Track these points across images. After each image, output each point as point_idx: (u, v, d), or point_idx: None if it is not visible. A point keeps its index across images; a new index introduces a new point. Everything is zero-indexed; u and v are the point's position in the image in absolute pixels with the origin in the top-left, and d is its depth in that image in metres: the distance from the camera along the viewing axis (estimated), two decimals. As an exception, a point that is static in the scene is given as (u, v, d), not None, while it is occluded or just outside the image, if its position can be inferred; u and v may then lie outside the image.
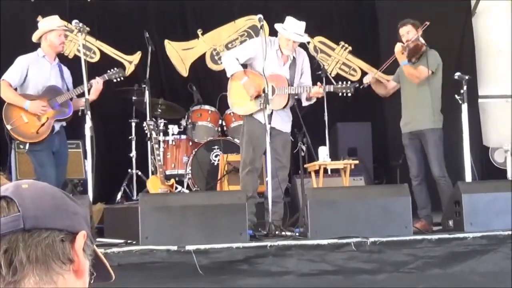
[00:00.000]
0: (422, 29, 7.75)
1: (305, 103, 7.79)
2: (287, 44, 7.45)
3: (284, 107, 7.55)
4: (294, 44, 7.50)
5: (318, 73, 8.48)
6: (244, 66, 7.64)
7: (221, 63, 7.98)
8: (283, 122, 7.60)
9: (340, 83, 7.83)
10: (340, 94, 7.79)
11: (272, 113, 7.37)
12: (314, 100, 7.74)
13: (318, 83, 7.57)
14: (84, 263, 1.35)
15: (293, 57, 7.62)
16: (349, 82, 7.86)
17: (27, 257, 1.27)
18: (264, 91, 7.39)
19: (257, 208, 7.52)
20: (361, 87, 8.16)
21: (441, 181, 7.58)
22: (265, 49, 7.28)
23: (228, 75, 7.65)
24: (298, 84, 7.60)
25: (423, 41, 7.74)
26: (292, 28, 7.46)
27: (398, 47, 7.67)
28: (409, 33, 7.77)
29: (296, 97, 7.79)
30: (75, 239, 1.33)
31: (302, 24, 7.51)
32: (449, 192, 7.36)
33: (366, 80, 8.14)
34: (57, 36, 7.45)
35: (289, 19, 7.52)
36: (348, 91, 7.71)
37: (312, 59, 7.94)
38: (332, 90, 7.67)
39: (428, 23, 7.78)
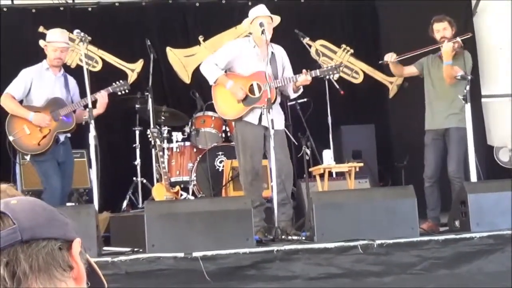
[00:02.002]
0: (461, 38, 7.72)
1: (293, 95, 7.73)
2: (259, 30, 7.33)
3: (273, 102, 7.38)
4: (269, 27, 7.38)
5: (321, 77, 8.48)
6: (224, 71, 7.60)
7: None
8: (275, 119, 7.33)
9: (325, 66, 7.79)
10: (327, 77, 7.74)
11: (261, 113, 7.31)
12: (301, 90, 7.64)
13: (304, 70, 7.42)
14: (83, 269, 1.36)
15: (272, 52, 7.52)
16: (333, 64, 7.79)
17: (30, 267, 1.28)
18: (251, 91, 7.37)
19: (265, 212, 7.50)
20: (379, 62, 8.15)
21: (456, 181, 7.51)
22: (267, 54, 7.23)
23: (211, 82, 7.56)
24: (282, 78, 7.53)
25: (461, 43, 7.69)
26: (256, 11, 7.50)
27: (449, 46, 7.53)
28: (446, 29, 7.70)
29: (287, 100, 7.75)
30: (71, 246, 1.34)
31: (263, 6, 7.56)
32: (457, 192, 7.34)
33: (387, 58, 8.01)
34: (52, 51, 7.45)
35: (251, 10, 7.57)
36: (335, 72, 7.65)
37: (314, 62, 7.92)
38: (318, 74, 7.54)
39: (470, 34, 7.76)
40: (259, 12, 7.49)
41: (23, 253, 1.28)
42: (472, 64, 7.86)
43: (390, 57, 7.91)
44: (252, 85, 7.41)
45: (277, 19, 7.55)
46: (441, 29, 7.72)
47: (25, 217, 1.31)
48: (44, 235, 1.31)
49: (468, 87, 7.37)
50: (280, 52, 7.66)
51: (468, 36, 7.78)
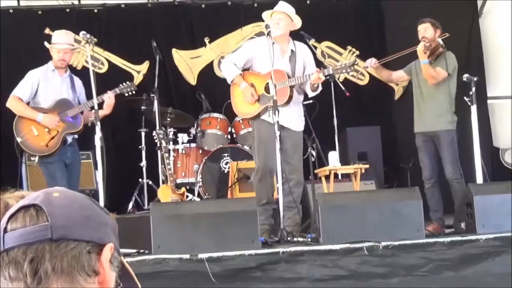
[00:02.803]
0: (441, 38, 7.73)
1: (311, 94, 7.62)
2: (273, 24, 7.32)
3: (287, 102, 7.34)
4: (282, 23, 7.37)
5: (326, 78, 8.46)
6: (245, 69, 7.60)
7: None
8: (293, 119, 7.38)
9: (338, 64, 7.77)
10: (341, 74, 7.71)
11: (278, 113, 7.29)
12: (320, 89, 7.57)
13: (316, 69, 7.39)
14: (110, 275, 1.35)
15: (292, 50, 7.49)
16: (347, 62, 7.77)
17: (53, 268, 1.28)
18: (267, 90, 7.36)
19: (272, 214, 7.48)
20: (362, 67, 8.14)
21: (455, 183, 7.56)
22: (272, 57, 7.20)
23: (229, 81, 7.59)
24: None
25: (441, 43, 7.73)
26: (276, 7, 7.52)
27: (421, 45, 7.61)
28: (426, 30, 7.75)
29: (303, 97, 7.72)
30: (102, 251, 1.34)
31: (283, 2, 7.56)
32: (462, 194, 7.35)
33: (367, 63, 8.08)
34: (56, 52, 7.47)
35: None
36: (349, 69, 7.62)
37: (320, 64, 7.91)
38: (331, 72, 7.49)
39: (447, 34, 7.79)
40: (277, 7, 7.50)
41: (50, 252, 1.28)
42: (457, 65, 7.83)
43: (370, 63, 7.98)
44: (267, 83, 7.39)
45: (297, 20, 7.53)
46: (422, 29, 7.81)
47: (61, 214, 1.31)
48: (75, 236, 1.31)
49: (474, 89, 7.38)
50: (303, 51, 7.60)
51: (445, 36, 7.78)
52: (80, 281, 1.30)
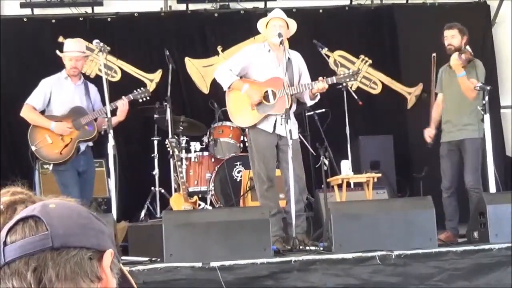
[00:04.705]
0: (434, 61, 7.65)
1: (309, 103, 7.61)
2: (273, 34, 7.26)
3: (288, 110, 7.25)
4: (283, 31, 7.29)
5: (338, 87, 8.47)
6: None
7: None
8: (291, 128, 7.26)
9: (342, 73, 7.71)
10: (344, 84, 7.64)
11: (276, 120, 7.27)
12: (318, 98, 7.51)
13: (320, 77, 7.29)
14: (112, 281, 1.36)
15: (288, 58, 7.35)
16: (351, 70, 7.72)
17: (56, 275, 1.29)
18: (265, 98, 7.33)
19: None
20: (428, 146, 7.98)
21: (474, 192, 7.43)
22: (285, 65, 7.19)
23: (225, 88, 7.46)
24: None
25: (470, 50, 7.63)
26: (271, 13, 7.50)
27: (455, 59, 7.46)
28: (454, 37, 7.62)
29: (305, 111, 7.68)
30: (102, 257, 1.35)
31: (278, 9, 7.57)
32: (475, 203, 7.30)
33: (428, 139, 7.94)
34: (68, 60, 7.49)
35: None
36: (352, 78, 7.57)
37: (332, 73, 7.90)
38: (335, 81, 7.42)
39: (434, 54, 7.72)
40: (274, 14, 7.47)
41: (52, 260, 1.29)
42: (485, 71, 7.75)
43: (430, 133, 7.91)
44: (266, 91, 7.35)
45: (293, 26, 7.46)
46: (449, 36, 7.66)
47: (60, 224, 1.32)
48: (76, 244, 1.31)
49: (487, 98, 7.33)
50: (297, 58, 7.53)
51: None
52: (83, 287, 1.31)
